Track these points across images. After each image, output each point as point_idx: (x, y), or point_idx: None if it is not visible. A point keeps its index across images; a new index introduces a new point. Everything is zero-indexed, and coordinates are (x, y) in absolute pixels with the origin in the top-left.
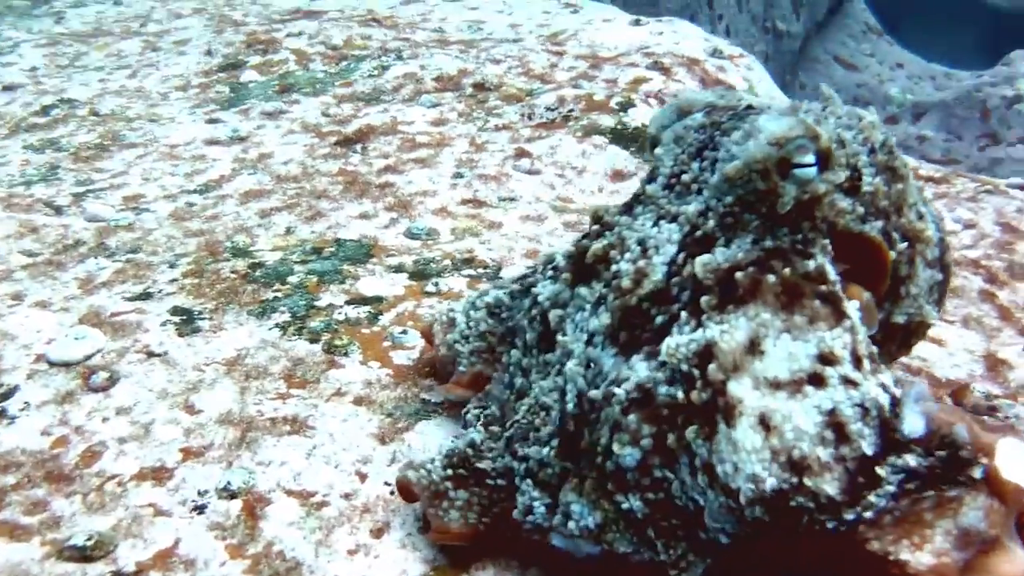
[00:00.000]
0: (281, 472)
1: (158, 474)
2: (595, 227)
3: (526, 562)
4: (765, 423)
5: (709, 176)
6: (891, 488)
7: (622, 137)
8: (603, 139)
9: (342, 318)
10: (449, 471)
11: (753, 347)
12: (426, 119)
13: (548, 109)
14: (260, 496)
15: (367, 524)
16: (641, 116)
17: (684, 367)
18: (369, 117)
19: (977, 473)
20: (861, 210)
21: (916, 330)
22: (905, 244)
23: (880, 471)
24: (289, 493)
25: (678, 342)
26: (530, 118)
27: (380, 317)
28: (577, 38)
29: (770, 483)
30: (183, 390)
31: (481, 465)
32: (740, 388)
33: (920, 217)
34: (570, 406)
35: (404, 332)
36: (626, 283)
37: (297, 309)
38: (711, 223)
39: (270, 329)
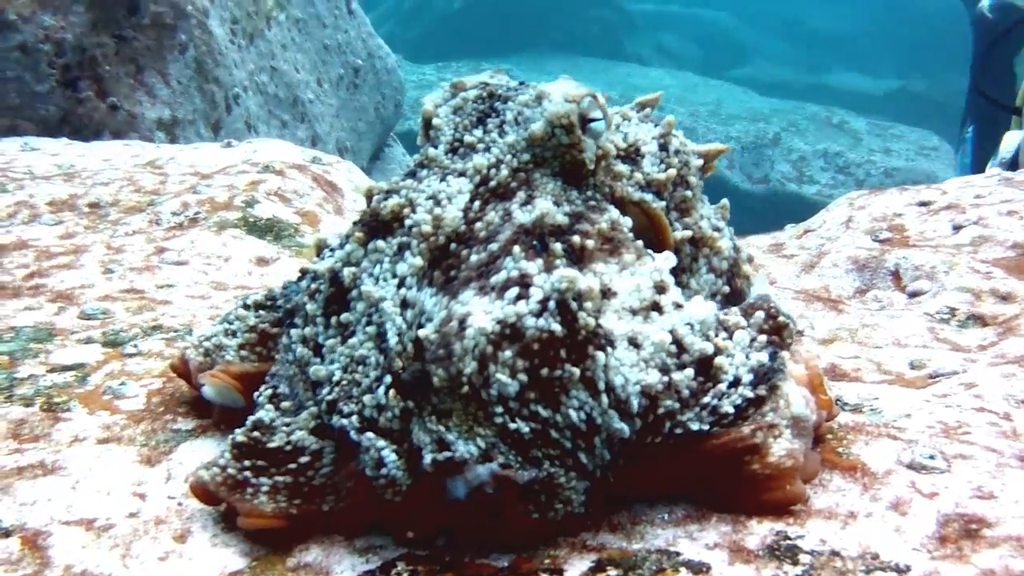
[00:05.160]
0: (51, 507)
1: None
2: (379, 195)
3: (350, 534)
4: (634, 342)
5: (497, 137)
6: (731, 374)
7: (256, 228)
8: (239, 231)
9: (49, 384)
10: (245, 461)
11: (606, 292)
12: (53, 234)
13: (174, 214)
14: (37, 531)
15: (166, 533)
16: (268, 211)
17: (560, 299)
18: None
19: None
20: (640, 178)
21: None
22: (689, 234)
23: (719, 361)
24: (67, 523)
25: (550, 279)
26: (158, 223)
27: (89, 378)
28: (176, 161)
29: (650, 380)
30: None
31: (273, 444)
32: (608, 321)
33: (716, 230)
34: (392, 342)
35: (123, 384)
36: (426, 228)
37: None
38: (503, 173)
39: None
